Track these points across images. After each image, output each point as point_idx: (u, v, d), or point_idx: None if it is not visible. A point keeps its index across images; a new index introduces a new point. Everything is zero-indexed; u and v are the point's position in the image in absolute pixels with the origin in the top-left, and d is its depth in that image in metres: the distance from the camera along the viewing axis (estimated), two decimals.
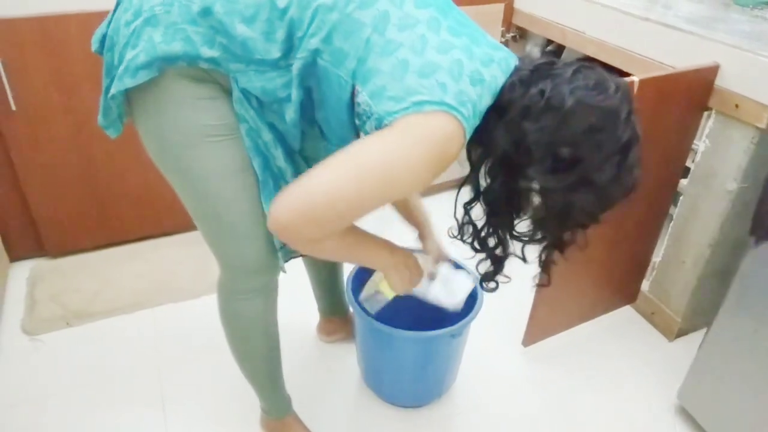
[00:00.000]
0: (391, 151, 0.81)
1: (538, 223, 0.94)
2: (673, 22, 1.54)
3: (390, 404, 1.49)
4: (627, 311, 1.82)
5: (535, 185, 0.88)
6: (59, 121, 1.70)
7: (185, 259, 1.95)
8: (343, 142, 0.88)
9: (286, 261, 1.13)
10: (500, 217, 0.97)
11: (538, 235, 0.95)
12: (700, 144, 1.50)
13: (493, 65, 0.87)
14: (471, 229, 1.01)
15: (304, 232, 0.84)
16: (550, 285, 1.07)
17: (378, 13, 0.84)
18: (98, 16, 1.59)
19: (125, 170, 1.86)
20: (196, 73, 0.91)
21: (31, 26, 1.56)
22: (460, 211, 1.00)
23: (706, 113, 1.48)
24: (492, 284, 1.08)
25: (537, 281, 1.07)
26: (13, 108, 1.62)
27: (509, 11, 2.13)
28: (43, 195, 1.80)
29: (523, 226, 0.98)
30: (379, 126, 0.83)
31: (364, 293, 1.25)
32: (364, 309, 1.26)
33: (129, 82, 0.90)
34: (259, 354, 1.22)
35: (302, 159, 1.08)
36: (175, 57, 0.88)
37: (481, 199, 0.96)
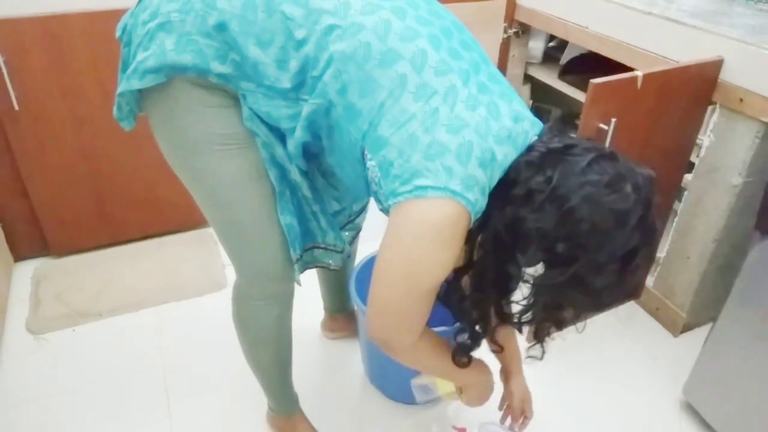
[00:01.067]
0: (401, 245, 0.83)
1: (524, 310, 0.90)
2: (677, 16, 1.53)
3: (394, 401, 1.49)
4: (631, 307, 1.81)
5: (525, 274, 0.86)
6: (62, 120, 1.71)
7: (189, 257, 1.95)
8: (354, 188, 0.93)
9: (302, 272, 1.12)
10: (486, 294, 0.93)
11: (527, 317, 0.91)
12: (705, 139, 1.49)
13: (508, 143, 0.82)
14: (456, 295, 0.97)
15: (394, 340, 0.92)
16: (543, 359, 1.03)
17: (396, 76, 0.80)
18: (101, 16, 1.61)
19: (129, 169, 1.86)
20: (206, 82, 0.90)
21: (33, 26, 1.56)
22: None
23: (710, 108, 1.48)
24: (464, 359, 1.03)
25: (529, 354, 1.02)
26: (16, 107, 1.62)
27: (511, 7, 2.12)
28: (47, 194, 1.80)
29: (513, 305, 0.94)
30: (386, 206, 0.84)
31: (419, 380, 1.24)
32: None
33: (136, 84, 0.89)
34: (270, 357, 1.22)
35: (318, 172, 1.06)
36: (184, 68, 0.87)
37: (470, 270, 0.92)
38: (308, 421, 1.36)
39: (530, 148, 0.83)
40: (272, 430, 1.38)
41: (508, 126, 0.82)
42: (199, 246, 1.99)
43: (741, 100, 1.37)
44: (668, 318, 1.72)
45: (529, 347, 1.02)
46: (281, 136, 0.95)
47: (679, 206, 1.61)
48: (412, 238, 0.81)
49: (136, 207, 1.94)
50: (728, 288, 1.28)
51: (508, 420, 1.29)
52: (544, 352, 1.00)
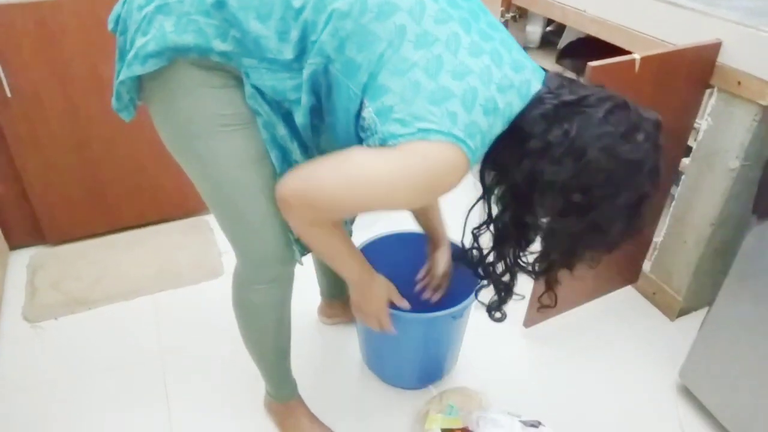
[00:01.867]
0: (386, 173, 0.81)
1: (542, 256, 0.94)
2: None
3: (392, 386, 1.49)
4: (628, 291, 1.82)
5: (543, 223, 0.89)
6: (55, 107, 1.69)
7: (185, 245, 1.95)
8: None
9: (303, 255, 1.11)
10: (507, 246, 0.96)
11: (542, 267, 0.95)
12: (702, 122, 1.48)
13: (512, 91, 0.83)
14: (477, 254, 1.00)
15: (297, 211, 0.89)
16: (556, 306, 1.06)
17: (394, 27, 0.80)
18: (93, 2, 1.59)
19: (123, 156, 1.85)
20: (208, 62, 0.89)
21: (25, 13, 1.54)
22: (469, 235, 1.00)
23: (708, 91, 1.47)
24: (498, 314, 1.09)
25: (542, 302, 1.06)
26: (9, 95, 1.60)
27: None
28: (42, 182, 1.79)
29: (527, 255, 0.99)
30: (382, 144, 0.81)
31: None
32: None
33: (138, 70, 0.88)
34: (270, 342, 1.22)
35: (318, 153, 1.05)
36: (186, 48, 0.86)
37: (490, 225, 0.95)
38: (306, 406, 1.37)
39: (541, 100, 0.84)
40: (270, 415, 1.39)
41: (510, 75, 0.83)
42: (195, 234, 1.99)
43: (739, 83, 1.36)
44: (665, 302, 1.73)
45: (541, 296, 1.04)
46: (283, 115, 0.95)
47: (677, 190, 1.61)
48: (403, 169, 0.80)
49: (131, 195, 1.93)
50: (725, 272, 1.28)
51: (509, 416, 1.32)
52: (556, 299, 1.04)
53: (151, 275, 1.83)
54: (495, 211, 0.96)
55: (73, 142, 1.76)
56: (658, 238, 1.71)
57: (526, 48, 2.33)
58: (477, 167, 0.91)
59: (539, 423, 1.34)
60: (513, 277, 1.01)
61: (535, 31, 2.31)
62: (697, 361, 1.40)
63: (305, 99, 0.88)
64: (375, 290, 1.15)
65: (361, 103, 0.83)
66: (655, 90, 1.37)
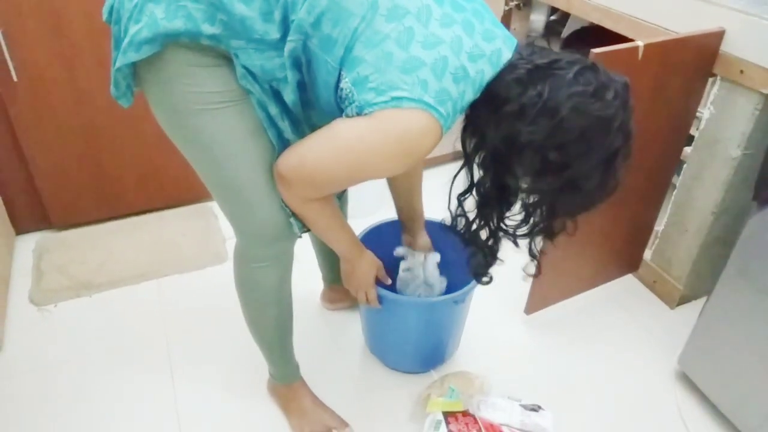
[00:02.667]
0: (367, 140, 0.87)
1: (524, 219, 0.97)
2: None
3: (393, 370, 1.51)
4: (629, 280, 1.83)
5: (523, 184, 0.92)
6: (61, 92, 1.70)
7: (189, 230, 1.96)
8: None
9: (302, 231, 1.12)
10: (490, 210, 1.00)
11: (524, 229, 0.99)
12: (705, 111, 1.49)
13: (482, 60, 0.87)
14: (463, 221, 1.04)
15: (296, 188, 0.97)
16: (541, 275, 1.11)
17: (368, 2, 0.84)
18: None
19: (129, 142, 1.86)
20: (197, 45, 0.91)
21: None
22: (454, 202, 1.03)
23: (710, 79, 1.47)
24: (486, 278, 1.13)
25: (527, 272, 1.11)
26: (15, 79, 1.61)
27: None
28: (48, 167, 1.80)
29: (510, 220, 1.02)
30: (359, 113, 0.86)
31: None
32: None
33: (133, 56, 0.90)
34: (271, 322, 1.23)
35: (309, 129, 1.06)
36: (177, 33, 0.89)
37: (473, 190, 0.99)
38: (309, 389, 1.38)
39: (514, 66, 0.88)
40: (273, 398, 1.41)
41: (481, 44, 0.87)
42: (199, 220, 2.00)
43: (741, 71, 1.37)
44: (665, 290, 1.74)
45: (526, 266, 1.10)
46: (274, 94, 0.97)
47: (678, 179, 1.62)
48: (381, 143, 0.86)
49: (136, 181, 1.95)
50: (726, 260, 1.29)
51: (509, 400, 1.35)
52: (540, 269, 1.08)
53: (156, 260, 1.85)
54: (477, 178, 0.99)
55: (79, 127, 1.78)
56: (659, 226, 1.72)
57: (530, 36, 2.33)
58: (458, 136, 0.96)
59: (539, 407, 1.36)
60: (497, 241, 1.04)
61: (539, 19, 2.31)
62: (696, 347, 1.42)
63: (290, 75, 0.92)
64: (363, 265, 1.21)
65: (339, 75, 0.88)
66: (657, 78, 1.37)
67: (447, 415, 1.30)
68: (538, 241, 1.04)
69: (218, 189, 1.06)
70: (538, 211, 0.95)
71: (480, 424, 1.29)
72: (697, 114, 1.55)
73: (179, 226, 1.99)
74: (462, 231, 1.05)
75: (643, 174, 1.56)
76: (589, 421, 1.41)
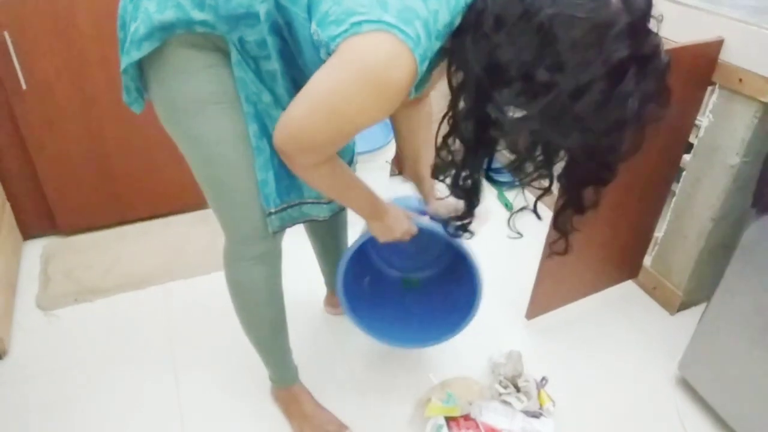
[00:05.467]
0: (333, 80, 0.80)
1: (515, 165, 0.82)
2: None
3: (394, 378, 1.52)
4: (629, 286, 1.84)
5: (506, 114, 0.77)
6: (69, 99, 1.73)
7: (195, 236, 1.99)
8: None
9: (280, 228, 1.13)
10: (474, 154, 0.89)
11: (518, 170, 0.83)
12: (704, 119, 1.50)
13: None
14: (452, 168, 0.94)
15: (298, 157, 0.90)
16: (567, 253, 0.97)
17: None
18: None
19: (136, 148, 1.88)
20: (195, 40, 0.94)
21: (39, 5, 1.57)
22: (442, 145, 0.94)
23: (709, 88, 1.49)
24: (467, 234, 1.09)
25: (552, 248, 1.01)
26: (24, 87, 1.64)
27: None
28: (55, 173, 1.83)
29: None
30: (328, 53, 0.80)
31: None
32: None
33: (135, 55, 0.94)
34: (263, 322, 1.25)
35: None
36: (171, 24, 0.91)
37: (455, 132, 0.89)
38: (309, 392, 1.40)
39: None
40: (276, 403, 1.42)
41: None
42: (204, 225, 2.02)
43: (740, 80, 1.38)
44: (665, 297, 1.75)
45: (553, 243, 0.99)
46: (268, 83, 0.98)
47: (678, 186, 1.63)
48: (347, 75, 0.78)
49: (142, 187, 1.97)
50: (725, 267, 1.30)
51: (511, 406, 1.36)
52: (567, 246, 0.96)
53: (162, 265, 1.87)
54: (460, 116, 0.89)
55: (87, 134, 1.80)
56: (658, 233, 1.73)
57: None
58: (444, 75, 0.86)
59: (540, 413, 1.37)
60: (477, 193, 0.97)
61: None
62: (696, 353, 1.42)
63: (270, 41, 0.90)
64: (391, 218, 1.14)
65: (310, 24, 0.84)
66: None
67: (449, 419, 1.32)
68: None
69: (207, 187, 1.10)
70: (530, 152, 0.80)
71: (482, 429, 1.30)
72: (697, 122, 1.56)
73: (185, 232, 2.01)
74: (450, 178, 0.95)
75: (642, 181, 1.57)
76: (590, 427, 1.42)
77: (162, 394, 1.47)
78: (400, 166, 2.24)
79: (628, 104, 0.72)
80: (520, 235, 0.98)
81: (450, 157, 0.93)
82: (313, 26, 0.83)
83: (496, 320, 1.70)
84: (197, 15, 0.91)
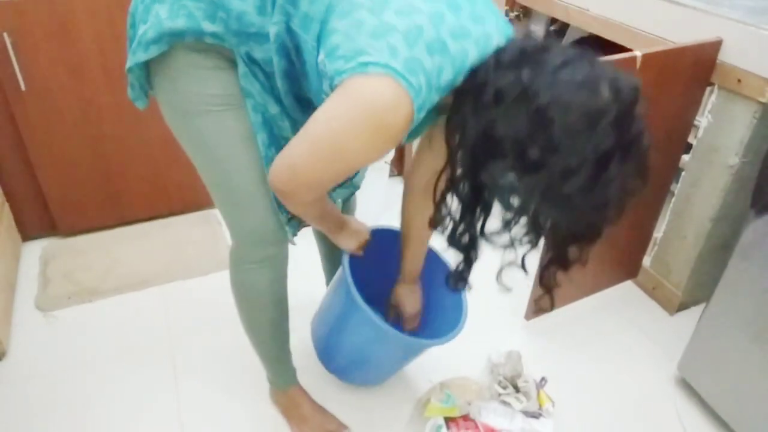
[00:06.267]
0: (335, 117, 0.81)
1: (504, 227, 0.85)
2: None
3: (394, 378, 1.51)
4: (628, 286, 1.84)
5: (498, 183, 0.81)
6: (69, 100, 1.73)
7: (194, 238, 1.98)
8: None
9: (294, 234, 1.15)
10: (470, 213, 0.93)
11: (506, 241, 0.87)
12: (703, 119, 1.51)
13: (467, 40, 0.81)
14: (450, 222, 0.97)
15: (296, 196, 0.94)
16: (553, 309, 1.02)
17: None
18: None
19: (135, 150, 1.88)
20: (203, 45, 0.94)
21: (38, 6, 1.57)
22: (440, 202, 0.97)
23: (708, 88, 1.49)
24: (462, 283, 1.10)
25: (538, 305, 1.03)
26: (23, 88, 1.64)
27: None
28: (54, 175, 1.83)
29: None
30: (332, 86, 0.82)
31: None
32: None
33: (142, 56, 0.94)
34: (266, 324, 1.25)
35: None
36: (181, 32, 0.92)
37: (452, 190, 0.92)
38: (308, 394, 1.40)
39: (501, 51, 0.81)
40: (276, 406, 1.42)
41: (467, 25, 0.81)
42: (203, 227, 2.02)
43: (739, 80, 1.39)
44: (664, 297, 1.75)
45: (538, 299, 1.01)
46: (275, 94, 0.99)
47: (677, 187, 1.63)
48: (348, 116, 0.80)
49: (142, 188, 1.97)
50: (724, 267, 1.30)
51: (510, 406, 1.36)
52: (553, 303, 0.97)
53: (161, 266, 1.87)
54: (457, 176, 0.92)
55: (86, 135, 1.80)
56: (658, 233, 1.73)
57: None
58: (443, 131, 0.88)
59: (539, 414, 1.37)
60: (476, 249, 0.99)
61: (538, 29, 2.33)
62: (696, 353, 1.43)
63: (276, 60, 0.92)
64: (354, 225, 1.25)
65: (318, 53, 0.85)
66: (656, 87, 1.39)
67: (448, 420, 1.32)
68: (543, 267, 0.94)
69: (214, 189, 1.09)
70: (525, 219, 0.83)
71: (481, 429, 1.30)
72: (695, 122, 1.56)
73: (184, 233, 2.01)
74: (447, 233, 0.98)
75: None
76: (589, 427, 1.42)
77: (161, 395, 1.47)
78: (398, 167, 2.25)
79: (611, 188, 0.76)
80: (509, 289, 1.00)
81: (448, 213, 0.96)
82: (321, 56, 0.84)
83: (494, 321, 1.70)
84: (208, 27, 0.91)
